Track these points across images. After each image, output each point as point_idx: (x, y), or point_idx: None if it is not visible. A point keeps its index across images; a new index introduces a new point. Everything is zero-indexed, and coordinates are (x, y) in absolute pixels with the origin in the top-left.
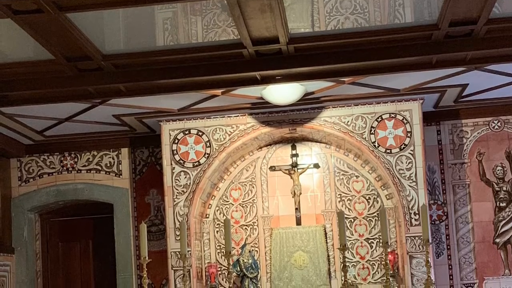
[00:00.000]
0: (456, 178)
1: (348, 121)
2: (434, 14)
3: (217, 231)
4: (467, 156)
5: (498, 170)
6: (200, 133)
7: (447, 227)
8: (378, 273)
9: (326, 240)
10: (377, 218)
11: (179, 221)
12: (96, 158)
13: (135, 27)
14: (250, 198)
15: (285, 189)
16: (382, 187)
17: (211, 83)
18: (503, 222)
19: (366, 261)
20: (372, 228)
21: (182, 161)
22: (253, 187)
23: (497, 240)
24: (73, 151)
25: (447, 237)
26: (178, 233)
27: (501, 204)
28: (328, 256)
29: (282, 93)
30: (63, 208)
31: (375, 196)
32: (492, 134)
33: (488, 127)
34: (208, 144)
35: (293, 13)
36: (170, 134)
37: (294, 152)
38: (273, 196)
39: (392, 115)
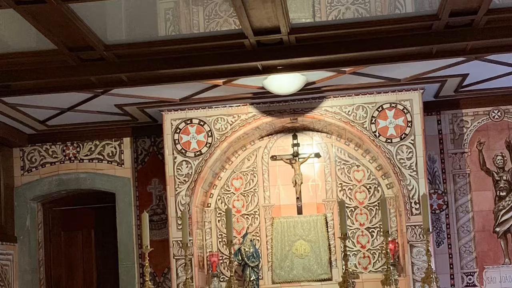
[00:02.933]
0: (456, 167)
1: (349, 111)
2: (434, 4)
3: (218, 220)
4: (467, 145)
5: (498, 159)
6: (201, 123)
7: (447, 216)
8: (378, 262)
9: (327, 229)
10: (377, 207)
11: (180, 210)
12: (98, 147)
13: (137, 17)
14: (252, 188)
15: (286, 178)
16: (383, 177)
17: (213, 73)
18: (503, 211)
19: (366, 250)
20: (372, 217)
21: (183, 151)
22: (255, 176)
23: (497, 229)
24: (75, 140)
25: (448, 226)
26: (179, 222)
27: (501, 194)
28: (329, 245)
29: (283, 83)
30: (65, 197)
31: (376, 186)
32: (492, 124)
33: (488, 116)
34: (209, 133)
35: (294, 3)
36: (172, 123)
37: (295, 141)
38: (274, 185)
39: (393, 105)
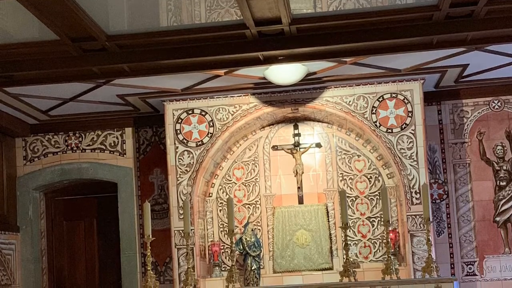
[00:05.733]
0: (456, 157)
1: (349, 101)
2: None
3: (220, 210)
4: (468, 135)
5: (498, 149)
6: (203, 113)
7: (447, 205)
8: (379, 251)
9: (328, 219)
10: (378, 197)
11: (182, 200)
12: (101, 137)
13: (139, 8)
14: (253, 177)
15: (287, 168)
16: (384, 166)
17: (214, 63)
18: (503, 201)
19: (367, 240)
20: (373, 206)
21: (185, 141)
22: (256, 166)
23: (497, 218)
24: (78, 130)
25: (448, 216)
26: (181, 212)
27: (501, 183)
28: (330, 234)
29: (285, 73)
30: (67, 187)
31: (377, 175)
32: (492, 114)
33: (488, 107)
34: (211, 123)
35: None
36: (173, 113)
37: (296, 131)
38: (275, 175)
39: (394, 95)
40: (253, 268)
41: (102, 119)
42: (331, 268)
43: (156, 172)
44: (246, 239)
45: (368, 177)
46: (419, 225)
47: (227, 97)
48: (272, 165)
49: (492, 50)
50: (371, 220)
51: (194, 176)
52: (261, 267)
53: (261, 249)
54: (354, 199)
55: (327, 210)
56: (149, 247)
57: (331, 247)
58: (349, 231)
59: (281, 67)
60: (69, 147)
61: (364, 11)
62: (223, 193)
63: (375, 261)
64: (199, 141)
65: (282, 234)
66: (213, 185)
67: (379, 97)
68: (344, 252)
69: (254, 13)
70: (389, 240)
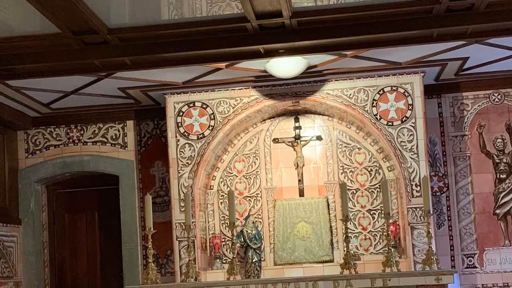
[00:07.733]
0: (456, 150)
1: (350, 94)
2: None
3: (221, 203)
4: (468, 128)
5: (498, 142)
6: (204, 106)
7: (448, 198)
8: (380, 243)
9: (329, 211)
10: (379, 190)
11: (183, 193)
12: (102, 130)
13: (140, 1)
14: (254, 170)
15: (288, 161)
16: (384, 159)
17: (215, 57)
18: (503, 193)
19: (368, 232)
20: (374, 199)
21: (186, 133)
22: (257, 159)
23: (497, 211)
24: (79, 123)
25: (448, 208)
26: (182, 204)
27: (501, 176)
28: (331, 227)
29: (285, 66)
30: (69, 179)
31: (377, 168)
32: (492, 107)
33: (488, 100)
34: (212, 116)
35: None
36: (174, 106)
37: (297, 124)
38: (276, 168)
39: (394, 88)
40: (254, 260)
41: (103, 112)
42: (331, 261)
43: (157, 164)
44: (247, 231)
45: (369, 169)
46: (420, 217)
47: (228, 90)
48: (273, 158)
49: (492, 43)
50: (371, 213)
51: (195, 168)
52: (262, 259)
53: (262, 241)
54: (354, 192)
55: (327, 202)
56: (151, 240)
57: (331, 240)
58: (350, 223)
59: (282, 60)
60: (71, 140)
61: (364, 4)
62: (224, 185)
63: (376, 254)
64: (200, 134)
65: (283, 227)
66: (214, 177)
67: (380, 90)
68: (345, 244)
69: (255, 6)
70: (390, 232)
